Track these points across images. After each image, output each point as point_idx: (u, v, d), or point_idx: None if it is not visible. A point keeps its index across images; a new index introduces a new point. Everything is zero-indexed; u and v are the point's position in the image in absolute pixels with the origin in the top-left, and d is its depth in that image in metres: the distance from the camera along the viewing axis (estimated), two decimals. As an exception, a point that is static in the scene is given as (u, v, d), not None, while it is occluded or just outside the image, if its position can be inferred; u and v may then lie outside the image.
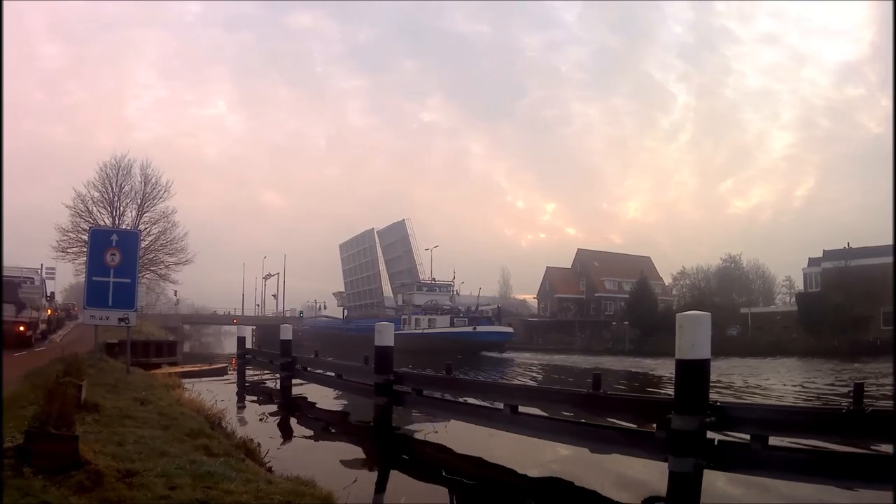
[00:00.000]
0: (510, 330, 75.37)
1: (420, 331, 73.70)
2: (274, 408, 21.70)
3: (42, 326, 33.68)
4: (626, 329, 79.65)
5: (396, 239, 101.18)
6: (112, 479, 5.98)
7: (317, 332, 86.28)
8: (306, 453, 14.28)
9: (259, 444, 12.04)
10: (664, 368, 37.69)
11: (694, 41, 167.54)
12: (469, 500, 10.99)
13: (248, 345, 36.93)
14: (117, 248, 19.64)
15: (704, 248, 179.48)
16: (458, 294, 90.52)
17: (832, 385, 30.74)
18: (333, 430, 17.38)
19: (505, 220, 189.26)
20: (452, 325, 74.94)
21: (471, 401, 13.86)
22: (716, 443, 8.21)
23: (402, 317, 79.79)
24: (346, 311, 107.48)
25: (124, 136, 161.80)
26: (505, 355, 64.54)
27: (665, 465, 8.24)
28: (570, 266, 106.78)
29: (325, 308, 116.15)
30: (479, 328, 72.02)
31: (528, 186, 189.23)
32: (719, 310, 61.83)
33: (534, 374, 42.48)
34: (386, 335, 15.69)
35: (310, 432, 17.64)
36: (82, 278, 30.93)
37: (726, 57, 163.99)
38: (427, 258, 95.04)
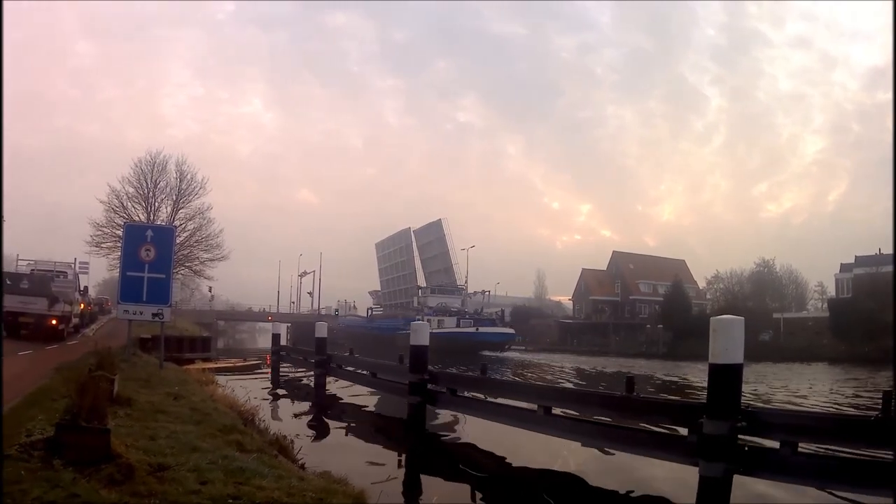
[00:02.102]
0: (511, 331, 78.75)
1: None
2: (308, 405, 21.80)
3: (75, 320, 34.10)
4: (661, 332, 79.11)
5: (432, 239, 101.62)
6: (143, 473, 6.02)
7: (345, 331, 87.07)
8: (339, 451, 14.27)
9: (292, 441, 12.04)
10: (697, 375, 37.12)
11: (726, 43, 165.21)
12: (499, 499, 10.96)
13: (283, 342, 37.12)
14: (152, 244, 19.84)
15: (738, 251, 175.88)
16: (470, 297, 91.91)
17: (858, 394, 29.88)
18: (367, 428, 17.44)
19: (540, 221, 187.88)
20: (458, 325, 77.98)
21: (503, 401, 13.85)
22: (746, 448, 8.14)
23: (417, 318, 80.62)
24: (370, 311, 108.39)
25: (158, 133, 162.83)
26: (502, 354, 67.67)
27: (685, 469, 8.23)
28: (605, 268, 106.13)
29: (354, 307, 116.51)
30: (482, 329, 75.63)
31: (564, 188, 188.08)
32: (752, 314, 60.84)
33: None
34: (421, 334, 15.73)
35: (343, 430, 17.69)
36: (116, 273, 31.12)
37: (758, 60, 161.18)
38: (463, 258, 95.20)
